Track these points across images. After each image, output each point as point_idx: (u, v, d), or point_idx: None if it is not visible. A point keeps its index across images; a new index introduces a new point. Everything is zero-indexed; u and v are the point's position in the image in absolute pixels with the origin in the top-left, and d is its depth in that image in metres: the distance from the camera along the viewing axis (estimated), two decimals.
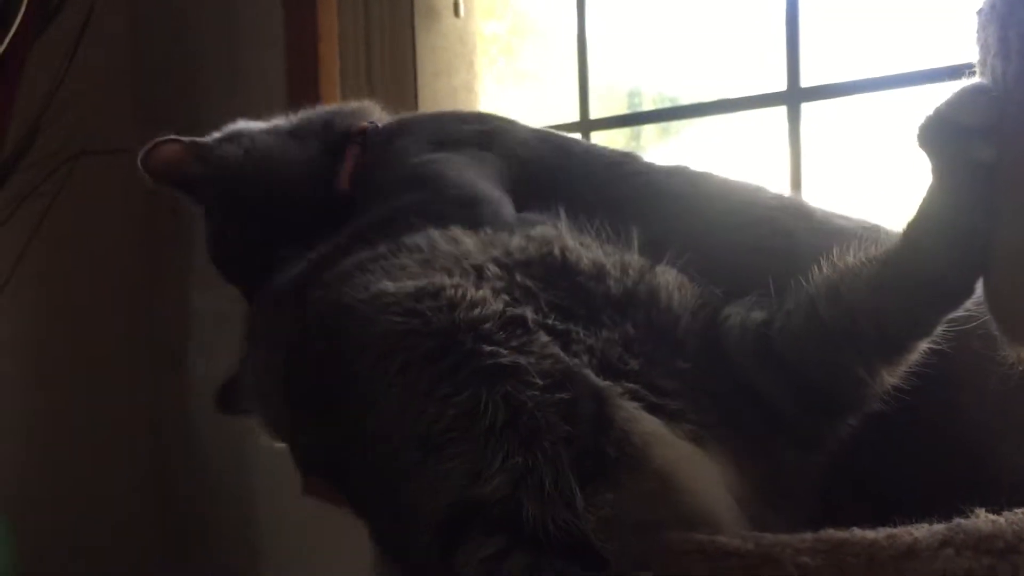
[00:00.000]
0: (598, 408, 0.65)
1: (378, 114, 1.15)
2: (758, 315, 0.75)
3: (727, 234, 0.89)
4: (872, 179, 1.39)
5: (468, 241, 0.81)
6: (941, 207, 0.63)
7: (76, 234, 2.38)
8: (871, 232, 0.77)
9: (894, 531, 0.58)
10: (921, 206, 0.64)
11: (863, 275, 0.68)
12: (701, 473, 0.67)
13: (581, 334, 0.71)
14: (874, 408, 0.71)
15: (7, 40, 1.80)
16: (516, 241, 0.80)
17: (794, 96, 1.43)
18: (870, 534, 0.58)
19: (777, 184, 1.41)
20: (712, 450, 0.69)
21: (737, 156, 1.60)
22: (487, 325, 0.67)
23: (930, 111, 0.61)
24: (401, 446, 0.66)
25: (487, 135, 1.04)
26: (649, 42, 1.79)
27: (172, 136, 1.10)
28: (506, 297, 0.72)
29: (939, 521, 0.58)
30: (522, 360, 0.65)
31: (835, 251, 0.70)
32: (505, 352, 0.65)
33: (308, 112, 1.16)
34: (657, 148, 1.77)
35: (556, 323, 0.71)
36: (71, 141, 2.10)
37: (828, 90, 1.41)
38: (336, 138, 1.10)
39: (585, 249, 0.80)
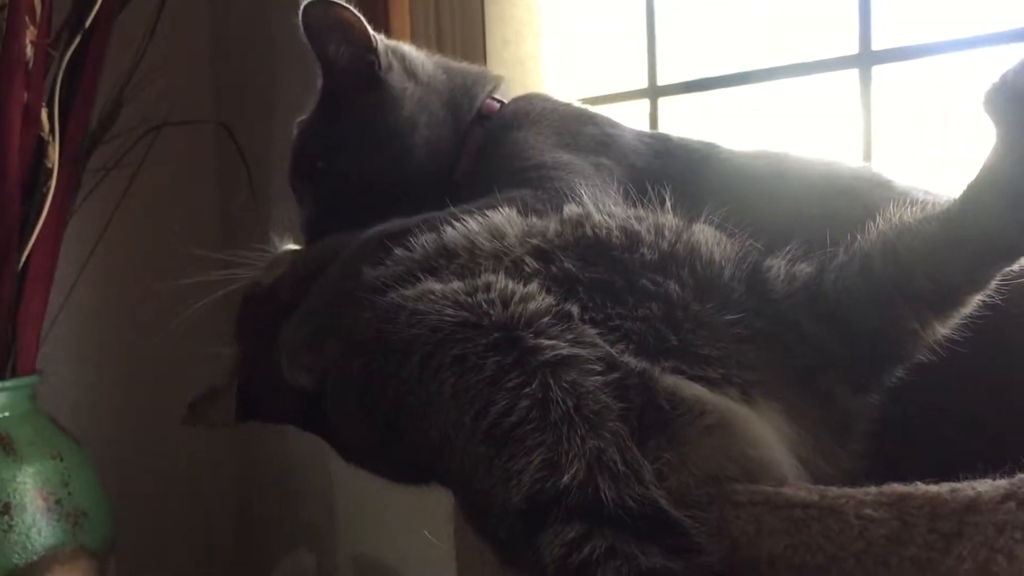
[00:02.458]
0: (642, 382, 0.68)
1: (501, 87, 1.15)
2: (805, 267, 0.77)
3: (808, 207, 0.90)
4: (946, 143, 1.37)
5: (510, 232, 0.82)
6: (1004, 168, 0.64)
7: (158, 204, 2.46)
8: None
9: (957, 485, 0.59)
10: (984, 166, 0.65)
11: (921, 232, 0.69)
12: (754, 424, 0.69)
13: (617, 320, 0.73)
14: (925, 358, 0.73)
15: (95, 11, 1.85)
16: (553, 227, 0.82)
17: (866, 59, 1.42)
18: (933, 488, 0.59)
19: (849, 148, 1.42)
20: (762, 406, 0.71)
21: (807, 121, 1.59)
22: (544, 320, 0.69)
23: (996, 77, 0.62)
24: (467, 440, 0.67)
25: (603, 142, 1.04)
26: (717, 6, 1.78)
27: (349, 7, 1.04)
28: (550, 294, 0.73)
29: (1002, 477, 0.60)
30: (579, 351, 0.67)
31: (891, 209, 0.72)
32: (563, 344, 0.68)
33: (457, 71, 1.14)
34: (726, 115, 1.76)
35: (595, 314, 0.73)
36: (153, 113, 2.17)
37: (900, 53, 1.40)
38: (466, 115, 1.09)
39: (613, 219, 0.81)
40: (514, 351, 0.67)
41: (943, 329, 0.72)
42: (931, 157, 1.40)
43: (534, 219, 0.83)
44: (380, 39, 1.07)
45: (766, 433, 0.68)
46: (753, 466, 0.66)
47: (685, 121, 1.74)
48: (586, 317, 0.72)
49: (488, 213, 0.84)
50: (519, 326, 0.69)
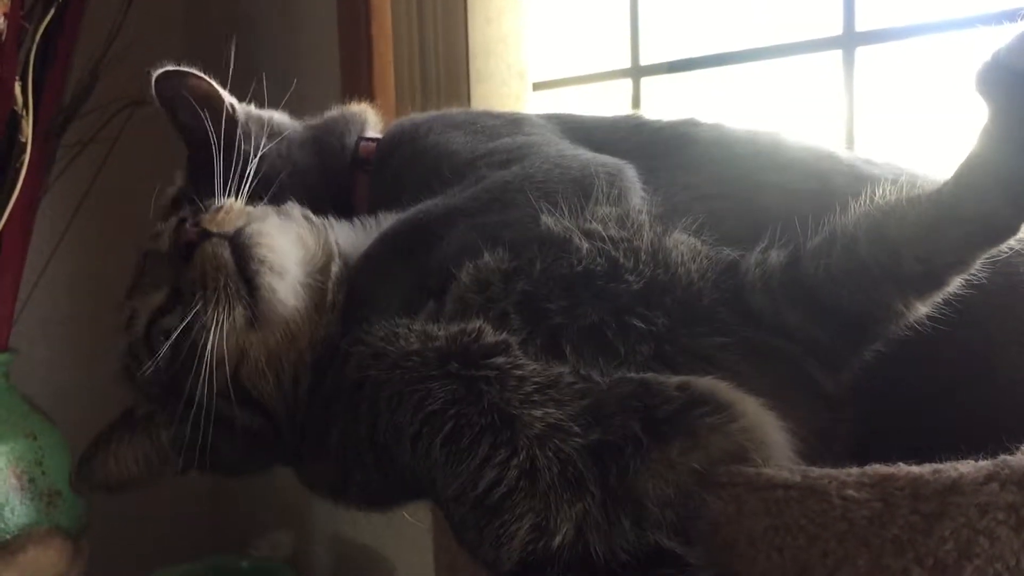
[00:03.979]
0: (644, 391, 0.67)
1: (372, 120, 1.14)
2: (776, 256, 0.77)
3: (760, 175, 0.90)
4: (929, 125, 1.37)
5: (496, 279, 0.79)
6: (995, 148, 0.63)
7: (133, 180, 2.42)
8: (901, 175, 0.77)
9: (939, 466, 0.59)
10: (975, 147, 0.65)
11: (911, 214, 0.69)
12: (773, 429, 0.69)
13: (612, 369, 0.72)
14: (904, 334, 0.73)
15: None
16: (539, 265, 0.79)
17: (849, 40, 1.41)
18: (915, 469, 0.59)
19: (832, 129, 1.41)
20: None
21: (791, 102, 1.59)
22: (535, 397, 0.68)
23: (987, 56, 0.61)
24: (457, 506, 0.68)
25: (514, 123, 1.02)
26: None
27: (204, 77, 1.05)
28: (538, 359, 0.72)
29: (985, 458, 0.60)
30: (562, 414, 0.67)
31: (871, 191, 0.72)
32: (551, 411, 0.67)
33: (324, 120, 1.15)
34: (709, 95, 1.75)
35: (584, 368, 0.72)
36: (128, 89, 2.13)
37: (884, 34, 1.39)
38: (340, 158, 1.09)
39: (594, 243, 0.79)
40: (507, 431, 0.66)
41: (924, 308, 0.72)
42: (914, 138, 1.40)
43: (522, 254, 0.80)
44: (236, 106, 1.07)
45: (780, 438, 0.68)
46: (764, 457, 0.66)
47: (668, 101, 1.73)
48: (577, 381, 0.70)
49: (475, 258, 0.81)
50: (512, 404, 0.68)
